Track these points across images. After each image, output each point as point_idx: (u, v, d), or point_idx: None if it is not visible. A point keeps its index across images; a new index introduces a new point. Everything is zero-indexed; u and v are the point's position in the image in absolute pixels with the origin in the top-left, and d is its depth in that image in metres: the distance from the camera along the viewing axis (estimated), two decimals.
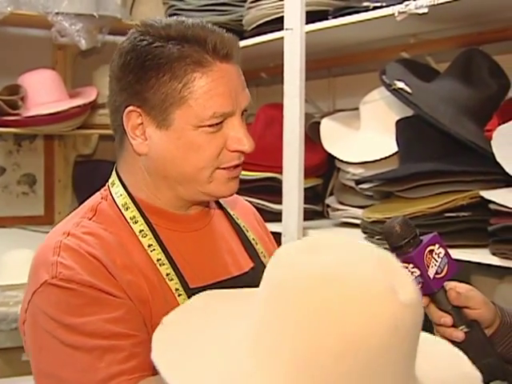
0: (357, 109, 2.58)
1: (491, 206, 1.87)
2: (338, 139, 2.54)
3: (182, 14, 3.09)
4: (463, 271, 2.28)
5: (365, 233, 2.24)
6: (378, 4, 2.25)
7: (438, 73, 2.33)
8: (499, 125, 2.03)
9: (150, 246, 1.38)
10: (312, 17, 2.45)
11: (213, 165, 1.38)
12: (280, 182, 2.53)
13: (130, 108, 1.37)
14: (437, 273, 1.31)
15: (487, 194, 1.88)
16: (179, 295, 1.34)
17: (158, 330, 1.05)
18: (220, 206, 1.59)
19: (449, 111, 2.06)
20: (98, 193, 1.49)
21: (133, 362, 1.22)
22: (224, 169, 1.40)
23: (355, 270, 0.89)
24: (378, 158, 2.35)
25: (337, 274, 0.89)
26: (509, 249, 1.81)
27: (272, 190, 2.59)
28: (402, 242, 1.32)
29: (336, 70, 3.06)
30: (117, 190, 1.45)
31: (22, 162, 3.43)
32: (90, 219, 1.39)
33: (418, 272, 1.31)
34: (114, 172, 1.49)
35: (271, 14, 2.63)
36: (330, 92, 3.12)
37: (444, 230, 1.96)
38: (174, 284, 1.35)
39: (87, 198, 3.51)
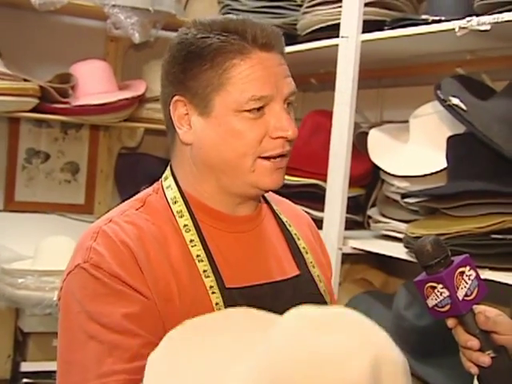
0: (405, 121, 2.57)
1: None
2: (385, 151, 2.54)
3: (236, 13, 3.10)
4: (506, 294, 2.26)
5: (407, 247, 2.20)
6: (437, 18, 2.24)
7: (493, 91, 2.31)
8: None
9: (191, 241, 1.39)
10: (368, 26, 2.44)
11: (254, 152, 1.38)
12: (323, 189, 2.54)
13: (176, 98, 1.42)
14: (466, 295, 1.31)
15: None
16: (213, 293, 1.34)
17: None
18: (273, 212, 1.59)
19: (503, 131, 2.04)
20: (151, 186, 1.52)
21: (137, 362, 1.24)
22: (267, 158, 1.39)
23: (345, 366, 0.89)
24: (425, 172, 2.33)
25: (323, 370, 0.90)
26: None
27: (314, 196, 2.58)
28: (433, 262, 1.32)
29: (386, 81, 3.04)
30: (168, 183, 1.47)
31: (66, 150, 3.44)
32: (137, 209, 1.42)
33: (446, 293, 1.30)
34: (168, 166, 1.51)
35: (327, 21, 2.62)
36: (378, 102, 3.10)
37: (490, 252, 1.98)
38: (210, 281, 1.36)
39: (128, 189, 3.52)
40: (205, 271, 1.36)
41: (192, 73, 1.40)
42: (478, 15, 2.06)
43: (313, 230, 1.69)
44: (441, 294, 1.31)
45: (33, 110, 2.96)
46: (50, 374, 3.00)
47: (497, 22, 1.97)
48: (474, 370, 1.32)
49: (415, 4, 2.68)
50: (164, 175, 1.51)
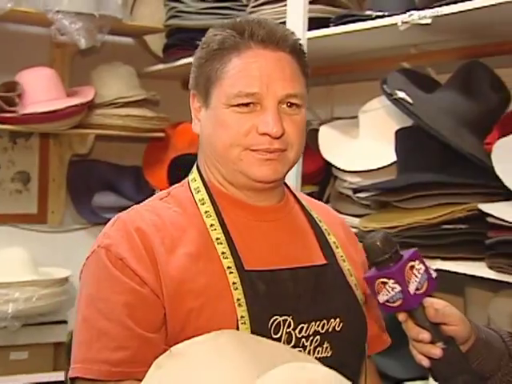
0: (355, 117, 2.60)
1: (489, 220, 1.89)
2: (336, 147, 2.56)
3: (182, 16, 3.14)
4: (458, 283, 2.31)
5: (360, 242, 2.22)
6: (381, 13, 2.28)
7: (438, 84, 2.35)
8: (499, 138, 2.04)
9: (211, 225, 1.44)
10: (314, 23, 2.46)
11: (239, 144, 1.43)
12: None
13: (191, 92, 1.55)
14: (417, 289, 1.31)
15: (485, 207, 1.90)
16: (230, 273, 1.38)
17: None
18: (302, 207, 1.61)
19: (449, 123, 2.08)
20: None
21: (120, 353, 1.31)
22: (254, 151, 1.43)
23: None
24: (375, 167, 2.36)
25: None
26: (505, 263, 1.82)
27: None
28: (383, 258, 1.32)
29: (335, 78, 3.07)
30: (193, 176, 1.55)
31: (16, 160, 3.40)
32: (161, 199, 1.52)
33: (398, 288, 1.30)
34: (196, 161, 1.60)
35: (273, 19, 2.61)
36: (328, 99, 3.14)
37: (440, 242, 2.02)
38: (228, 262, 1.39)
39: (82, 197, 3.49)
40: (223, 253, 1.40)
41: (200, 69, 1.50)
42: (419, 9, 2.09)
43: (346, 229, 1.71)
44: (392, 290, 1.31)
45: None
46: None
47: (437, 16, 2.00)
48: (426, 362, 1.33)
49: (359, 0, 2.71)
50: (191, 170, 1.58)
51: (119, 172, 3.47)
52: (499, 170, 1.89)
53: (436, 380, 1.35)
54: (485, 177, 1.97)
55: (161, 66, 3.37)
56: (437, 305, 1.33)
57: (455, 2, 1.97)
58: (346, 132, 2.61)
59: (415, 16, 2.05)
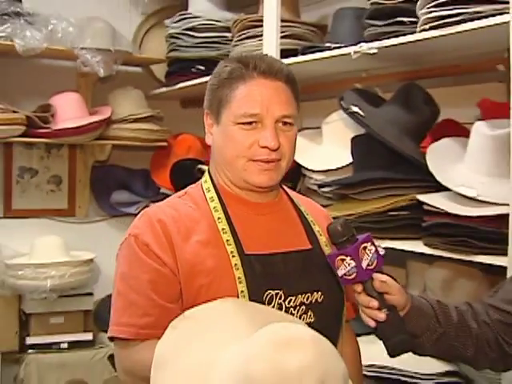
0: (319, 127, 2.57)
1: (425, 207, 1.90)
2: (304, 151, 2.50)
3: (181, 49, 3.10)
4: (401, 258, 2.30)
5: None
6: (337, 45, 2.28)
7: (384, 100, 2.34)
8: (431, 143, 2.06)
9: (219, 218, 1.44)
10: (285, 53, 2.46)
11: (245, 155, 1.42)
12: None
13: (206, 111, 1.52)
14: (368, 265, 1.31)
15: (422, 197, 1.91)
16: (233, 256, 1.38)
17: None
18: (293, 203, 1.60)
19: (393, 131, 2.07)
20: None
21: (145, 319, 1.35)
22: (255, 161, 1.42)
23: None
24: (335, 167, 2.34)
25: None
26: (438, 241, 1.84)
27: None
28: (343, 239, 1.33)
29: (303, 96, 3.00)
30: (205, 178, 1.54)
31: (51, 166, 3.37)
32: (179, 197, 1.51)
33: (353, 263, 1.31)
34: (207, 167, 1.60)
35: (252, 51, 2.62)
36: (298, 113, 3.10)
37: (388, 226, 2.02)
38: (231, 248, 1.39)
39: (102, 194, 3.44)
40: (227, 240, 1.40)
41: (213, 92, 1.48)
42: (367, 41, 2.09)
43: (328, 220, 1.66)
44: (349, 265, 1.31)
45: (22, 135, 2.91)
46: (50, 345, 3.01)
47: (381, 47, 2.01)
48: (372, 323, 1.34)
49: (320, 35, 2.69)
50: (204, 174, 1.57)
51: (131, 174, 3.44)
52: (432, 168, 1.90)
53: (380, 338, 1.35)
54: (421, 173, 1.97)
55: (164, 89, 3.33)
56: (382, 278, 1.33)
57: (396, 36, 1.98)
58: (312, 139, 2.58)
59: (364, 47, 2.06)
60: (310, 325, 1.34)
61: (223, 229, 1.42)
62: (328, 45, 2.33)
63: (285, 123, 1.45)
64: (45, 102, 3.03)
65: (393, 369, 1.86)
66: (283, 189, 1.62)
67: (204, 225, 1.43)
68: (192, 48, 3.06)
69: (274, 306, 1.38)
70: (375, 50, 2.03)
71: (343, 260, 1.32)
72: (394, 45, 1.98)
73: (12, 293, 3.00)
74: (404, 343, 1.33)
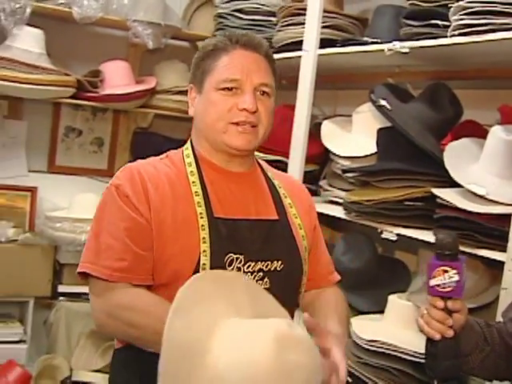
0: (350, 115, 2.61)
1: (438, 200, 1.95)
2: (334, 137, 2.58)
3: (227, 29, 3.11)
4: (414, 246, 2.36)
5: (345, 210, 2.29)
6: (374, 40, 2.32)
7: (413, 96, 2.37)
8: (451, 141, 2.10)
9: (193, 182, 1.49)
10: (325, 43, 2.51)
11: (224, 118, 1.48)
12: (286, 164, 2.59)
13: (190, 86, 1.58)
14: (464, 283, 1.30)
15: (436, 191, 1.96)
16: (201, 218, 1.44)
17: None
18: (266, 176, 1.64)
19: (416, 127, 2.12)
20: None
21: (120, 263, 1.39)
22: (235, 124, 1.48)
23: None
24: (361, 154, 2.39)
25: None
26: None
27: (280, 169, 2.62)
28: (450, 252, 1.31)
29: (339, 85, 3.07)
30: (187, 145, 1.59)
31: (95, 128, 3.49)
32: (161, 159, 1.56)
33: (456, 278, 1.29)
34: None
35: (294, 37, 2.68)
36: (332, 101, 3.14)
37: (402, 214, 2.07)
38: (200, 209, 1.45)
39: (140, 159, 3.58)
40: (198, 202, 1.46)
41: (197, 65, 1.55)
42: (402, 40, 2.14)
43: (304, 193, 1.74)
44: (450, 278, 1.28)
45: (71, 97, 3.02)
46: (79, 295, 3.11)
47: (413, 47, 2.07)
48: (439, 337, 1.33)
49: (361, 28, 2.72)
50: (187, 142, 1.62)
51: (170, 142, 3.33)
52: (448, 165, 1.95)
53: (430, 357, 1.36)
54: (438, 169, 2.00)
55: None
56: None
57: (428, 38, 2.04)
58: (342, 126, 2.62)
59: (397, 45, 2.12)
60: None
61: (196, 192, 1.47)
62: (366, 39, 2.38)
63: (263, 92, 1.51)
64: (95, 67, 3.15)
65: (396, 346, 1.91)
66: (258, 163, 1.66)
67: (179, 185, 1.48)
68: (238, 29, 3.06)
69: (233, 269, 1.43)
70: (407, 50, 2.08)
71: (446, 271, 1.30)
72: (425, 46, 2.04)
73: (49, 243, 3.12)
74: (456, 368, 1.34)
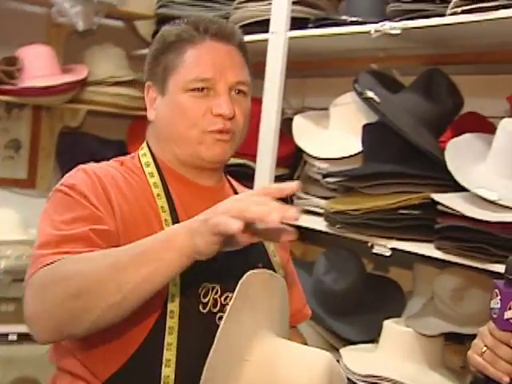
0: (325, 109, 2.64)
1: (439, 207, 1.97)
2: (307, 135, 2.61)
3: (173, 6, 3.13)
4: (409, 261, 2.43)
5: (327, 221, 2.31)
6: (355, 19, 2.35)
7: (402, 86, 2.41)
8: (452, 138, 2.13)
9: (158, 195, 1.51)
10: (294, 23, 2.51)
11: (197, 125, 1.50)
12: (251, 168, 2.61)
13: (147, 84, 1.61)
14: None
15: (437, 197, 1.98)
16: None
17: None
18: (234, 192, 1.68)
19: (410, 121, 2.15)
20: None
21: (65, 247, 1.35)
22: (211, 132, 1.50)
23: None
24: (343, 155, 2.42)
25: None
26: (451, 245, 1.92)
27: (243, 175, 2.53)
28: None
29: (308, 72, 3.09)
30: (144, 152, 1.60)
31: (10, 128, 3.44)
32: (115, 167, 1.55)
33: None
34: (145, 140, 1.65)
35: (257, 16, 2.68)
36: (300, 91, 3.17)
37: (396, 225, 2.10)
38: (167, 227, 1.43)
39: (68, 166, 3.58)
40: (166, 220, 1.47)
41: (157, 60, 1.56)
42: (389, 19, 2.17)
43: None
44: None
45: None
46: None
47: (406, 28, 2.10)
48: (507, 379, 1.32)
49: (335, 3, 2.77)
50: (141, 147, 1.64)
51: (105, 145, 3.47)
52: (451, 166, 1.98)
53: None
54: (438, 170, 2.04)
55: (148, 50, 3.40)
56: None
57: (423, 17, 2.06)
58: (317, 122, 2.65)
59: (387, 26, 2.14)
60: None
61: (162, 207, 1.49)
62: (344, 18, 2.39)
63: (239, 91, 1.54)
64: (8, 53, 3.09)
65: (396, 381, 1.96)
66: (226, 177, 1.70)
67: (142, 199, 1.49)
68: (185, 6, 3.09)
69: (208, 301, 1.46)
70: (398, 31, 2.11)
71: None
72: (421, 27, 2.06)
73: None
74: None
